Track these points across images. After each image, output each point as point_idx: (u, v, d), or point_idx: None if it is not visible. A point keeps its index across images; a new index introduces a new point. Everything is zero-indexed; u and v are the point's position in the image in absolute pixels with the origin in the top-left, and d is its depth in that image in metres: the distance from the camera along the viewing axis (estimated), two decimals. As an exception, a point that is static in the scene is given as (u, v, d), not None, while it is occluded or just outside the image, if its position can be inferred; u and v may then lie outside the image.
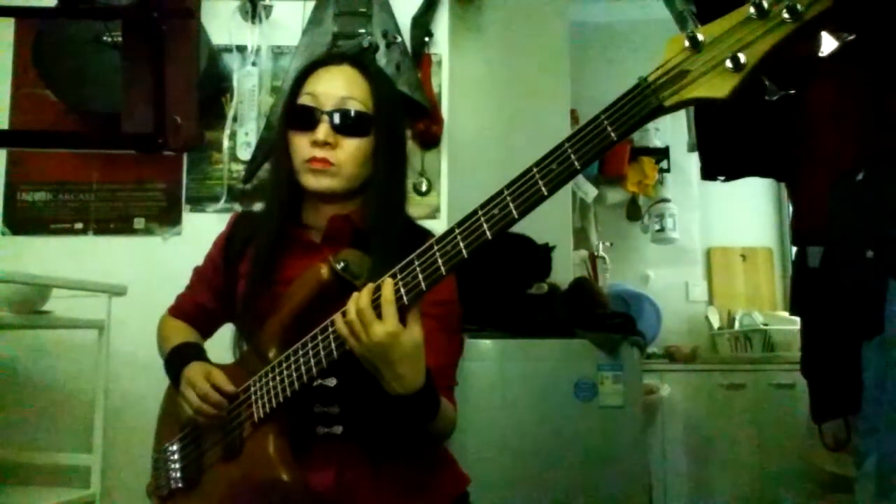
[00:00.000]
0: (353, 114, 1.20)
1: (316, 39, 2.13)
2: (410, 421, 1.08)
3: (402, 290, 0.97)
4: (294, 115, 1.23)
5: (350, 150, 1.20)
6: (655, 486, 3.02)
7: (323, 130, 1.19)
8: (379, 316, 0.96)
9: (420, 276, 0.95)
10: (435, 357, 1.11)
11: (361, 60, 1.28)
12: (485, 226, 0.91)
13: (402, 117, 1.34)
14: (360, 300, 0.98)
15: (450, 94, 2.30)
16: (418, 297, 0.96)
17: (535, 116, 2.88)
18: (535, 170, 0.89)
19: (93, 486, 1.92)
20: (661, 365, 3.45)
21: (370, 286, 0.98)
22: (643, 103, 0.85)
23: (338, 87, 1.21)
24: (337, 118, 1.19)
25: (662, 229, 3.87)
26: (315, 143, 1.19)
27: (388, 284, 0.97)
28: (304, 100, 1.22)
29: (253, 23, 2.27)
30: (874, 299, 1.25)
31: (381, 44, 2.11)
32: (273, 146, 1.34)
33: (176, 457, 1.26)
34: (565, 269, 2.75)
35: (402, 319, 0.97)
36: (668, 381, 3.29)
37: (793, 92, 1.35)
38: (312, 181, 1.20)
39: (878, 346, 1.25)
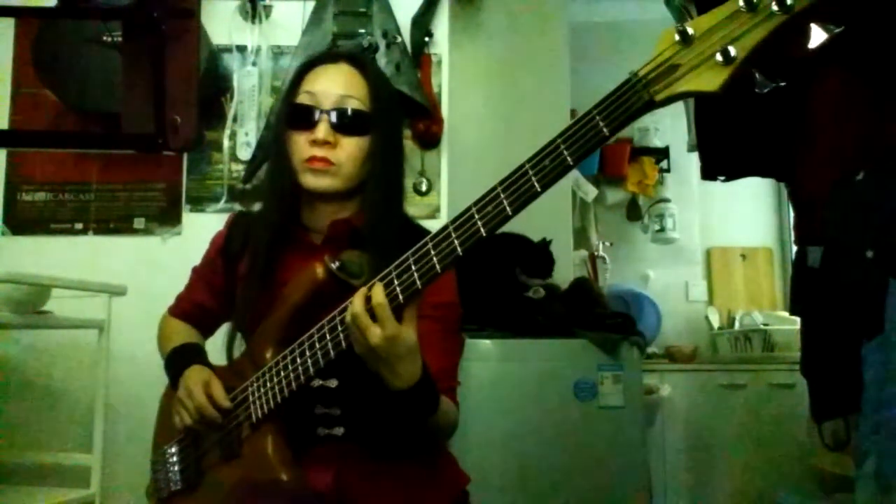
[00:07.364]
0: (352, 112, 1.19)
1: (316, 39, 2.13)
2: (412, 415, 1.08)
3: (398, 290, 0.95)
4: (293, 114, 1.22)
5: (349, 150, 1.19)
6: (655, 486, 3.02)
7: (322, 129, 1.18)
8: (374, 319, 0.95)
9: (416, 275, 0.94)
10: (437, 359, 1.10)
11: (359, 59, 1.27)
12: (479, 223, 0.90)
13: (399, 116, 1.34)
14: (353, 305, 0.97)
15: (450, 94, 2.30)
16: (414, 295, 0.95)
17: (535, 116, 2.88)
18: (527, 166, 0.88)
19: (93, 486, 1.93)
20: (661, 365, 3.44)
21: (363, 290, 0.97)
22: (634, 98, 0.83)
23: (336, 86, 1.20)
24: (336, 117, 1.19)
25: (662, 229, 3.86)
26: (315, 143, 1.18)
27: (378, 288, 0.96)
28: (302, 98, 1.21)
29: (253, 23, 2.27)
30: (874, 299, 1.24)
31: (381, 44, 2.11)
32: (271, 145, 1.33)
33: (175, 459, 1.25)
34: (565, 269, 2.74)
35: (399, 318, 0.96)
36: (668, 381, 3.29)
37: (783, 84, 1.34)
38: (312, 181, 1.19)
39: (878, 346, 1.25)
